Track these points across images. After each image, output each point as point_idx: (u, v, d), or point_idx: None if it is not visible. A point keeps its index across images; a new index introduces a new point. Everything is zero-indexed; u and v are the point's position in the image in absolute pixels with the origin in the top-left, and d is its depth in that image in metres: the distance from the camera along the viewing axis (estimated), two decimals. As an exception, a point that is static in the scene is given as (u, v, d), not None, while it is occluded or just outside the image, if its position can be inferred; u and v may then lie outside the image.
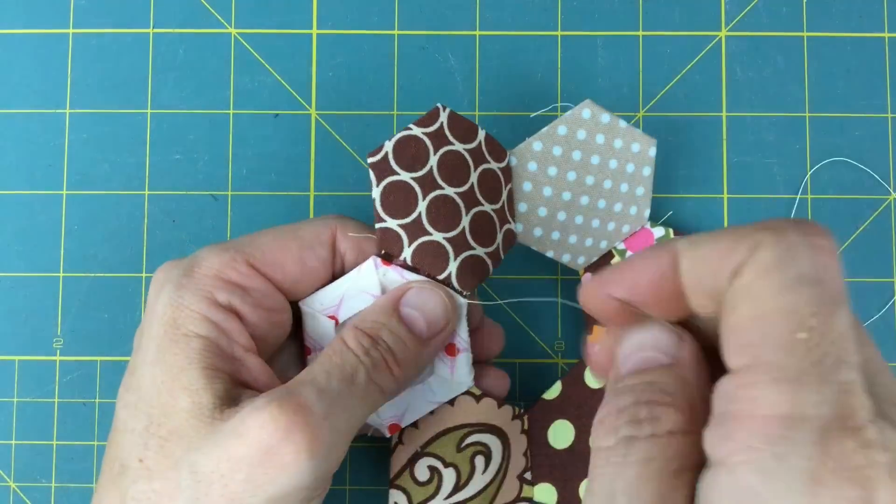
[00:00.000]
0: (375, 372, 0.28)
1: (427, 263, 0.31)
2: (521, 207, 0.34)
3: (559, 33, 0.40)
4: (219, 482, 0.24)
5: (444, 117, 0.32)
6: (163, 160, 0.39)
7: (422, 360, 0.30)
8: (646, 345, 0.21)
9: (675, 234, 0.37)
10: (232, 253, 0.28)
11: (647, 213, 0.36)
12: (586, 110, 0.34)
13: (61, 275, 0.39)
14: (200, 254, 0.29)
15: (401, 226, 0.31)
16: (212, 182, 0.39)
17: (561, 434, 0.35)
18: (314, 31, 0.40)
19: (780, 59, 0.39)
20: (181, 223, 0.39)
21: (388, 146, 0.31)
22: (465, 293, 0.32)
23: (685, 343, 0.21)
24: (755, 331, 0.18)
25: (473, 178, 0.32)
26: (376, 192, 0.30)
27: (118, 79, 0.39)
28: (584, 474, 0.35)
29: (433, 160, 0.31)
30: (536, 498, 0.35)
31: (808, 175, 0.39)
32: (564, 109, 0.39)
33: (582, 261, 0.36)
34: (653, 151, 0.35)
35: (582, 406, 0.36)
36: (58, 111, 0.39)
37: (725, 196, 0.39)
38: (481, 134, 0.33)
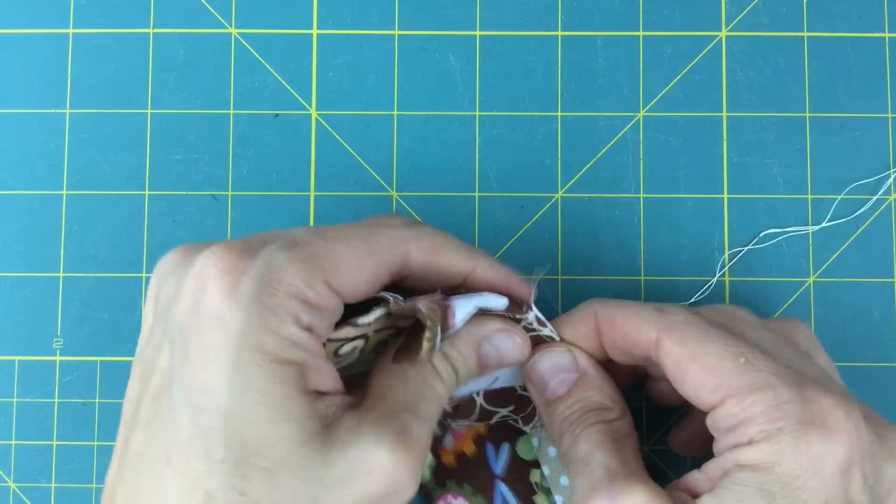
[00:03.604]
0: (447, 391, 0.30)
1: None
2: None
3: (559, 33, 0.40)
4: None
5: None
6: (163, 160, 0.39)
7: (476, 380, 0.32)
8: (555, 368, 0.31)
9: None
10: (310, 267, 0.26)
11: None
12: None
13: (61, 275, 0.39)
14: (275, 263, 0.25)
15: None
16: (212, 182, 0.39)
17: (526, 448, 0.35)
18: (314, 31, 0.40)
19: (780, 59, 0.39)
20: (181, 223, 0.39)
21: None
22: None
23: (579, 356, 0.32)
24: (716, 375, 0.27)
25: None
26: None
27: (118, 79, 0.39)
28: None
29: None
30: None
31: (807, 173, 0.39)
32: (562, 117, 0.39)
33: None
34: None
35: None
36: (58, 111, 0.39)
37: (725, 196, 0.39)
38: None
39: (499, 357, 0.31)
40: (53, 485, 0.38)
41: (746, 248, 0.39)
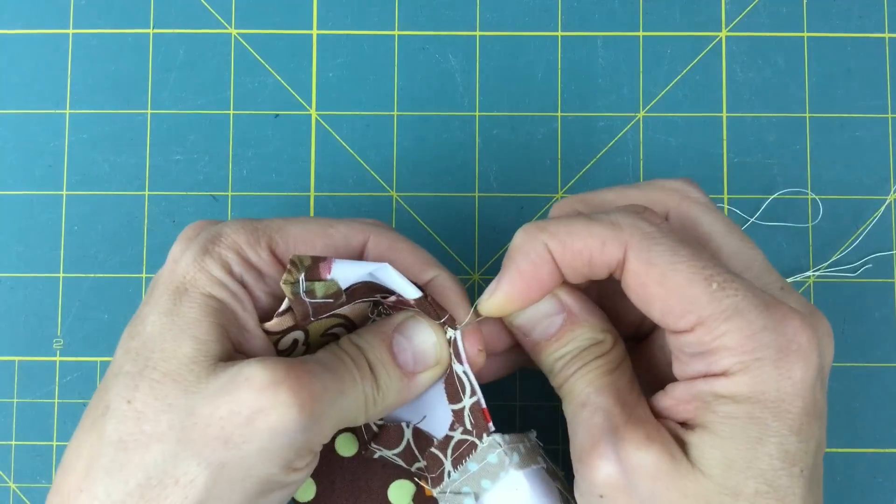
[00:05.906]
0: (363, 381, 0.28)
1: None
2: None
3: (559, 33, 0.40)
4: (216, 424, 0.25)
5: None
6: (163, 160, 0.39)
7: (406, 391, 0.30)
8: (539, 316, 0.29)
9: None
10: (258, 234, 0.28)
11: None
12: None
13: (61, 275, 0.39)
14: (229, 225, 0.29)
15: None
16: (212, 182, 0.39)
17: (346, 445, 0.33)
18: (314, 31, 0.40)
19: (780, 60, 0.39)
20: (181, 223, 0.39)
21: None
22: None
23: (563, 296, 0.29)
24: (685, 301, 0.25)
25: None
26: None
27: (118, 79, 0.39)
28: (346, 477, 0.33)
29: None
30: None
31: (808, 172, 0.39)
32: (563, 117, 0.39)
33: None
34: None
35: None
36: (58, 111, 0.39)
37: (725, 196, 0.39)
38: None
39: (413, 351, 0.30)
40: (53, 485, 0.38)
41: (746, 248, 0.39)
